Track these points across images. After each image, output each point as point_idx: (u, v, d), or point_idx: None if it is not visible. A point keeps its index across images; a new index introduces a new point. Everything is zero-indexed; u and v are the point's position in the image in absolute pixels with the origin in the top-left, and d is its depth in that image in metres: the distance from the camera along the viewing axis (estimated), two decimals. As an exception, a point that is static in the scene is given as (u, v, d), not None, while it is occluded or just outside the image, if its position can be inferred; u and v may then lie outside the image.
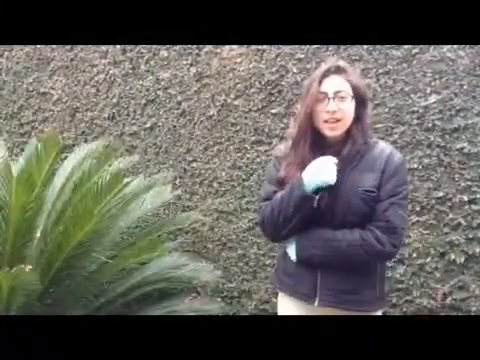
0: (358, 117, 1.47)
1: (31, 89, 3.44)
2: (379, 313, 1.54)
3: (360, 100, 1.47)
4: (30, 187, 2.00)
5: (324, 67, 1.48)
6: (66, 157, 2.69)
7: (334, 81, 1.44)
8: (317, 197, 1.41)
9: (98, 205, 2.01)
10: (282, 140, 2.35)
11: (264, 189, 1.61)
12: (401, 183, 1.45)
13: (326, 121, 1.44)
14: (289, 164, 1.49)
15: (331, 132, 1.46)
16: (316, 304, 1.47)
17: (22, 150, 3.12)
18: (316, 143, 1.48)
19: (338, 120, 1.44)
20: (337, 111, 1.42)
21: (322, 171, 1.41)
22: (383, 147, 1.49)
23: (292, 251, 1.50)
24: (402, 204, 1.44)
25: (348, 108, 1.45)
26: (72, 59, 3.27)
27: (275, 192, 1.52)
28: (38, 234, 2.24)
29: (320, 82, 1.44)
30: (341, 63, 1.50)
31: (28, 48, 3.44)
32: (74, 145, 3.14)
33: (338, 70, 1.46)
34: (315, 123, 1.47)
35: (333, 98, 1.42)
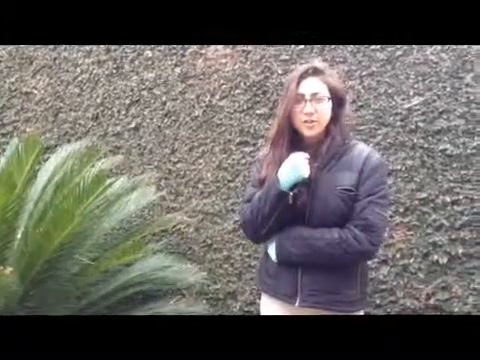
0: (335, 117, 1.50)
1: (13, 89, 3.39)
2: (361, 313, 1.55)
3: (337, 100, 1.50)
4: (10, 188, 1.96)
5: (301, 68, 1.50)
6: (49, 158, 2.65)
7: (311, 83, 1.47)
8: (291, 194, 1.43)
9: (80, 206, 1.99)
10: (266, 140, 2.35)
11: (247, 191, 1.62)
12: (379, 182, 1.46)
13: (304, 121, 1.47)
14: (269, 164, 1.51)
15: (309, 131, 1.48)
16: (297, 304, 1.47)
17: (4, 151, 3.07)
18: (294, 142, 1.50)
19: (315, 121, 1.46)
20: (314, 113, 1.45)
21: (295, 166, 1.43)
22: (362, 148, 1.51)
23: (272, 251, 1.51)
24: (381, 203, 1.45)
25: (325, 109, 1.47)
26: (55, 58, 3.23)
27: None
28: (19, 235, 2.21)
29: (298, 84, 1.47)
30: (318, 64, 1.52)
31: (10, 47, 3.39)
32: (57, 145, 3.10)
33: (315, 72, 1.48)
34: (293, 123, 1.49)
35: (310, 100, 1.45)
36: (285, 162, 1.45)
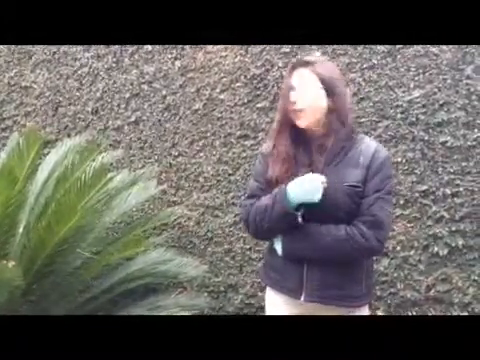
0: (331, 109, 1.47)
1: (13, 83, 3.38)
2: (366, 307, 1.55)
3: (329, 91, 1.47)
4: (12, 182, 1.97)
5: (292, 62, 1.52)
6: (49, 152, 2.65)
7: (300, 73, 1.48)
8: (299, 214, 1.41)
9: (81, 200, 1.99)
10: (268, 134, 2.35)
11: (249, 186, 1.61)
12: (386, 178, 1.45)
13: (292, 111, 1.47)
14: (274, 161, 1.49)
15: (300, 122, 1.47)
16: (302, 299, 1.47)
17: (4, 145, 3.07)
18: (296, 137, 1.49)
19: (301, 110, 1.46)
20: (296, 101, 1.45)
21: (309, 189, 1.39)
22: (368, 143, 1.50)
23: (278, 246, 1.51)
24: (387, 199, 1.45)
25: (311, 98, 1.46)
26: (54, 52, 3.22)
27: (261, 189, 1.53)
28: (21, 230, 2.22)
29: (289, 77, 1.48)
30: (309, 57, 1.54)
31: (9, 41, 3.38)
32: (57, 140, 3.10)
33: (305, 63, 1.49)
34: (290, 117, 1.49)
35: (295, 89, 1.46)
36: (300, 180, 1.41)
